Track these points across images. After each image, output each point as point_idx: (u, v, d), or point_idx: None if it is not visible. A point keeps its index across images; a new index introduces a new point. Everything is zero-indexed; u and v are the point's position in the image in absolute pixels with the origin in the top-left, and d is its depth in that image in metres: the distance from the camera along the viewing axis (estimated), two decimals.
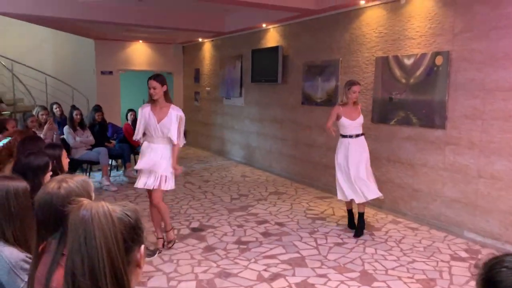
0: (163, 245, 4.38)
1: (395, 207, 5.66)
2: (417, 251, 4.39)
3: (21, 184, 1.86)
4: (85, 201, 1.10)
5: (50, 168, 2.51)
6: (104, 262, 1.03)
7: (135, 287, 1.15)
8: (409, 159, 5.45)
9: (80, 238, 1.04)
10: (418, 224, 5.24)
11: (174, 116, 4.15)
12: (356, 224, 4.92)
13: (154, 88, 4.11)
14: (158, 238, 4.39)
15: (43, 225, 1.43)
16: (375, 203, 5.87)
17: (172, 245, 4.42)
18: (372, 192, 4.75)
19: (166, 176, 4.21)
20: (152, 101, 4.16)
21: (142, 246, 1.13)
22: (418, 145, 5.32)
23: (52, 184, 1.48)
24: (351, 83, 4.85)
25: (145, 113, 4.13)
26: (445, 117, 4.94)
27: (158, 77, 4.16)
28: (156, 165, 4.17)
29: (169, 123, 4.12)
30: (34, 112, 6.39)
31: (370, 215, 5.57)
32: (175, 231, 4.72)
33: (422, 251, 4.40)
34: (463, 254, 4.33)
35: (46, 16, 7.26)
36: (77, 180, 1.53)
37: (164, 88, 4.16)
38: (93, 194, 1.58)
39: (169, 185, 4.23)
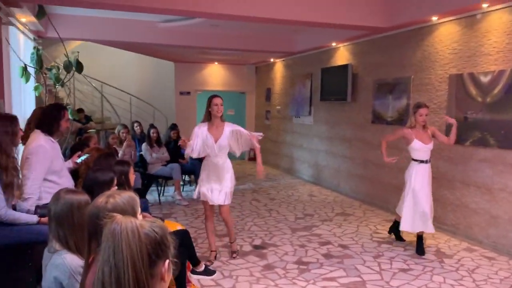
0: (215, 258, 4.54)
1: (470, 233, 5.26)
2: (492, 283, 4.03)
3: (84, 198, 2.05)
4: (118, 216, 1.21)
5: (115, 183, 2.72)
6: (129, 274, 1.12)
7: None
8: (486, 183, 5.07)
9: (109, 249, 1.14)
10: (495, 253, 4.82)
11: (229, 132, 4.30)
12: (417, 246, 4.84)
13: (221, 105, 4.29)
14: (211, 251, 4.55)
15: (92, 236, 1.57)
16: (448, 229, 5.53)
17: (237, 255, 4.61)
18: (430, 227, 4.62)
19: (231, 192, 4.42)
20: (209, 120, 4.31)
21: (167, 261, 1.21)
22: (496, 168, 4.93)
23: (101, 198, 1.63)
24: (417, 106, 4.68)
25: (202, 132, 4.30)
26: None
27: (220, 96, 4.35)
28: (220, 180, 4.33)
29: (225, 141, 4.27)
30: (116, 130, 6.93)
31: (442, 241, 5.24)
32: (238, 247, 4.83)
33: (498, 283, 4.04)
34: None
35: (130, 41, 7.91)
36: (123, 196, 1.66)
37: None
38: (138, 209, 1.70)
39: (230, 199, 4.44)
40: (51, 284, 1.97)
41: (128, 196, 1.67)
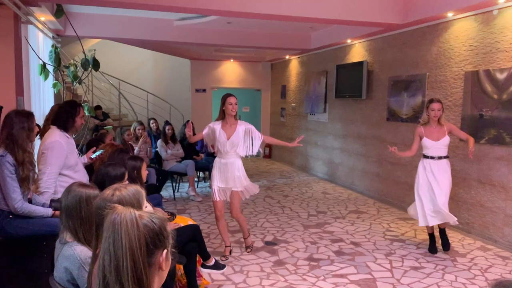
0: (230, 252, 4.62)
1: (485, 232, 5.20)
2: None
3: (93, 192, 2.12)
4: (119, 207, 1.26)
5: (126, 177, 2.79)
6: (127, 262, 1.17)
7: None
8: (501, 181, 4.99)
9: (109, 239, 1.20)
10: (510, 253, 4.76)
11: (242, 130, 4.35)
12: (441, 241, 4.78)
13: (235, 104, 4.35)
14: (226, 247, 4.63)
15: (99, 228, 1.63)
16: (463, 228, 5.47)
17: (251, 250, 4.73)
18: (449, 217, 4.51)
19: (241, 191, 4.47)
20: (223, 118, 4.37)
21: (165, 251, 1.26)
22: (511, 166, 4.86)
23: (108, 191, 1.69)
24: (430, 101, 4.64)
25: (216, 129, 4.36)
26: None
27: (234, 95, 4.40)
28: (234, 180, 4.39)
29: (238, 139, 4.32)
30: (132, 127, 7.06)
31: (456, 239, 5.19)
32: (252, 242, 4.90)
33: None
34: None
35: (146, 39, 8.03)
36: (129, 189, 1.72)
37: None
38: (144, 202, 1.75)
39: (252, 191, 4.55)
40: (62, 274, 2.04)
41: (134, 189, 1.73)
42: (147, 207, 2.38)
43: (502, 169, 4.98)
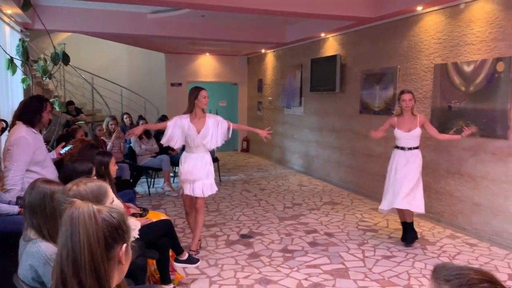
0: (200, 247, 4.56)
1: (454, 221, 5.35)
2: None
3: (58, 188, 2.08)
4: (77, 201, 1.25)
5: (94, 173, 2.76)
6: (85, 256, 1.16)
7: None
8: (469, 171, 5.14)
9: (67, 233, 1.19)
10: (477, 240, 4.92)
11: (212, 123, 4.32)
12: (402, 233, 4.83)
13: (208, 98, 4.32)
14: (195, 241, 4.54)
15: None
16: (434, 216, 5.61)
17: (195, 255, 4.19)
18: (414, 205, 4.57)
19: (210, 183, 4.42)
20: (191, 111, 4.33)
21: (124, 245, 1.25)
22: (479, 156, 5.00)
23: (69, 185, 1.67)
24: (401, 92, 4.73)
25: (184, 123, 4.31)
26: (508, 126, 4.61)
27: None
28: (200, 173, 4.35)
29: (208, 132, 4.29)
30: (105, 122, 6.96)
31: (426, 228, 5.32)
32: (225, 237, 4.89)
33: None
34: None
35: (118, 33, 7.89)
36: (89, 185, 1.70)
37: None
38: (106, 199, 1.73)
39: (214, 189, 4.44)
40: (26, 272, 2.01)
41: (94, 185, 1.71)
42: (114, 202, 2.36)
43: (469, 159, 5.12)
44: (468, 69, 5.07)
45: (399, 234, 4.98)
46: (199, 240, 4.63)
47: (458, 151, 5.27)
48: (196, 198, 4.42)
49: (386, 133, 4.90)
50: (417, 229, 5.04)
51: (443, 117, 5.43)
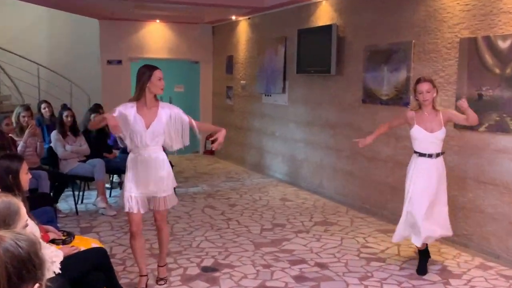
0: (146, 285, 4.55)
1: (486, 246, 5.47)
2: None
3: None
4: None
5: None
6: None
7: None
8: (505, 180, 5.26)
9: None
10: None
11: (165, 115, 4.29)
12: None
13: (163, 79, 4.30)
14: (141, 276, 4.54)
15: None
16: (459, 240, 5.73)
17: (164, 283, 4.63)
18: (444, 229, 4.74)
19: (170, 195, 4.47)
20: (138, 99, 4.27)
21: (37, 285, 1.22)
22: None
23: None
24: (416, 81, 4.82)
25: (129, 115, 4.25)
26: None
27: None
28: (160, 183, 4.36)
29: (160, 127, 4.26)
30: (14, 113, 6.81)
31: (449, 256, 5.44)
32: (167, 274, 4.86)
33: None
34: None
35: None
36: None
37: None
38: (17, 222, 1.70)
39: (174, 201, 4.54)
40: None
41: (1, 201, 1.67)
42: (28, 225, 2.31)
43: (506, 165, 5.25)
44: (504, 45, 5.19)
45: (414, 264, 5.07)
46: (165, 264, 4.76)
47: (491, 153, 5.39)
48: (155, 212, 4.48)
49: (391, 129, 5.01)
50: (438, 257, 5.14)
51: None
